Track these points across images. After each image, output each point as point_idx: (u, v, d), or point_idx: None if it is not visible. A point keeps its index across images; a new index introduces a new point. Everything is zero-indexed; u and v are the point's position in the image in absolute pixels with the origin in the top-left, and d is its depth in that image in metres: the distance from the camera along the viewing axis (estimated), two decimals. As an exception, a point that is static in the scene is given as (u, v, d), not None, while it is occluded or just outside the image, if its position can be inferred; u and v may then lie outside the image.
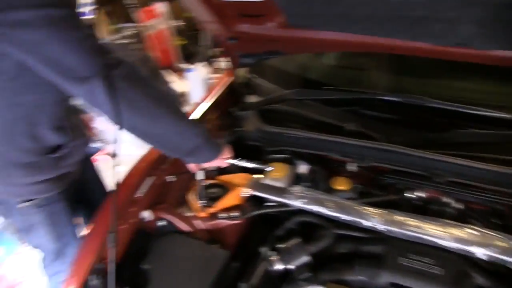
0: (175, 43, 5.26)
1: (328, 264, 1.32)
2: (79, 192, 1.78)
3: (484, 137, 1.59)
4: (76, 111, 1.69)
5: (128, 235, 1.44)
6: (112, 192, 1.23)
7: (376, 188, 1.59)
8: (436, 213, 1.42)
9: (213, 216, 1.53)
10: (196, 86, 4.32)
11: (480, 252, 1.18)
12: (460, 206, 1.45)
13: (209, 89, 2.14)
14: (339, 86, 1.83)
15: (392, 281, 1.22)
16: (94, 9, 4.51)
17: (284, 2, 1.40)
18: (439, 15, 1.21)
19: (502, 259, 1.16)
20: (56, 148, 1.49)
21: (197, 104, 1.94)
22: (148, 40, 4.82)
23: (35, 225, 1.64)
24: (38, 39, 1.07)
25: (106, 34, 4.40)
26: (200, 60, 4.93)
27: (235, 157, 1.62)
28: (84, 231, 1.54)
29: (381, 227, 1.29)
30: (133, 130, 1.29)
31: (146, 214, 1.50)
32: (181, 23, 5.26)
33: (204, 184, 1.60)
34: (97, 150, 3.85)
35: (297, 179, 1.67)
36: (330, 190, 1.56)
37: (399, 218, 1.30)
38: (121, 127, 1.23)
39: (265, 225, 1.58)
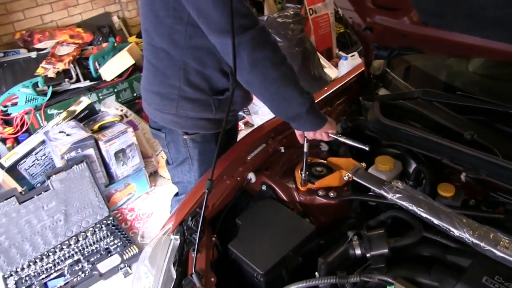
0: (335, 29, 5.30)
1: (405, 262, 1.32)
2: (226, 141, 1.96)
3: None
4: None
5: (233, 191, 1.60)
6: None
7: (483, 204, 1.52)
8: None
9: (312, 192, 1.61)
10: (347, 75, 4.35)
11: None
12: None
13: (345, 75, 2.19)
14: (473, 94, 1.76)
15: (466, 296, 1.18)
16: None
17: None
18: None
19: None
20: (222, 91, 1.68)
21: (330, 86, 2.02)
22: (309, 22, 4.94)
23: (188, 159, 1.86)
24: None
25: (270, 11, 4.62)
26: (356, 50, 4.93)
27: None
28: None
29: (472, 240, 1.24)
30: (248, 85, 1.51)
31: (252, 176, 1.64)
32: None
33: (311, 161, 1.68)
34: (240, 117, 4.13)
35: (403, 176, 1.66)
36: (434, 194, 1.55)
37: (495, 236, 1.24)
38: (240, 80, 1.45)
39: (362, 212, 1.63)
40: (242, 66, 1.41)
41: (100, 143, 3.11)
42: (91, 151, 3.08)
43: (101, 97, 3.90)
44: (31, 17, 4.41)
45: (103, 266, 2.70)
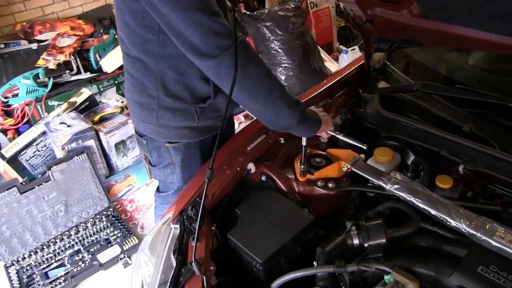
0: (336, 23, 5.31)
1: (403, 252, 1.33)
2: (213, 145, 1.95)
3: None
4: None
5: (232, 181, 1.61)
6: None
7: (481, 196, 1.54)
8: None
9: (311, 183, 1.63)
10: (347, 68, 4.37)
11: None
12: None
13: (344, 68, 2.20)
14: (473, 87, 1.77)
15: (462, 285, 1.20)
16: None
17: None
18: None
19: None
20: (204, 99, 1.64)
21: (330, 78, 2.03)
22: (310, 16, 4.94)
23: (170, 165, 1.83)
24: (163, 13, 1.27)
25: (271, 4, 4.61)
26: (357, 44, 4.93)
27: (349, 135, 1.68)
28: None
29: (468, 230, 1.26)
30: (238, 101, 1.47)
31: (252, 166, 1.65)
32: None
33: (310, 152, 1.70)
34: (240, 110, 4.14)
35: (401, 168, 1.68)
36: (432, 186, 1.57)
37: (491, 226, 1.26)
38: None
39: (361, 203, 1.64)
40: (226, 86, 1.39)
41: (101, 134, 3.13)
42: (91, 142, 3.10)
43: (101, 89, 3.92)
44: (31, 8, 4.41)
45: (103, 257, 2.73)
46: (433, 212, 1.34)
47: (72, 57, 3.93)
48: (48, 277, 2.64)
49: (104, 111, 3.39)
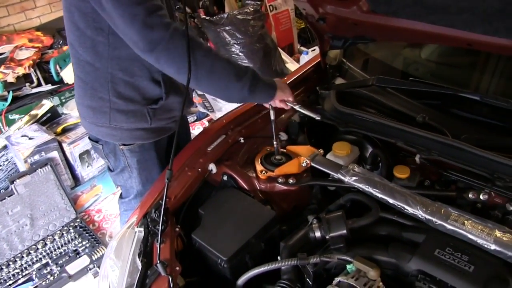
0: (296, 25, 5.37)
1: (364, 242, 1.37)
2: (169, 146, 1.95)
3: None
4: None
5: (194, 182, 1.62)
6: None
7: (437, 183, 1.59)
8: (497, 220, 1.40)
9: (272, 180, 1.65)
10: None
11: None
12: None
13: (302, 66, 2.24)
14: (426, 80, 1.82)
15: (421, 269, 1.24)
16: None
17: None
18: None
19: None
20: (156, 100, 1.66)
21: (288, 76, 2.06)
22: (270, 19, 4.99)
23: (127, 168, 1.83)
24: (108, 10, 1.30)
25: (230, 8, 4.64)
26: (317, 44, 4.99)
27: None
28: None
29: (424, 216, 1.30)
30: (193, 87, 1.51)
31: (213, 167, 1.66)
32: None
33: (270, 150, 1.73)
34: (204, 115, 4.14)
35: (360, 161, 1.71)
36: (390, 177, 1.61)
37: (445, 211, 1.30)
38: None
39: (323, 197, 1.67)
40: (171, 76, 1.47)
41: (64, 145, 3.09)
42: (55, 154, 3.06)
43: (63, 100, 3.86)
44: (-15, 21, 4.32)
45: (72, 268, 2.68)
46: (391, 201, 1.38)
47: (32, 69, 3.86)
48: (15, 293, 2.58)
49: (66, 122, 3.34)
